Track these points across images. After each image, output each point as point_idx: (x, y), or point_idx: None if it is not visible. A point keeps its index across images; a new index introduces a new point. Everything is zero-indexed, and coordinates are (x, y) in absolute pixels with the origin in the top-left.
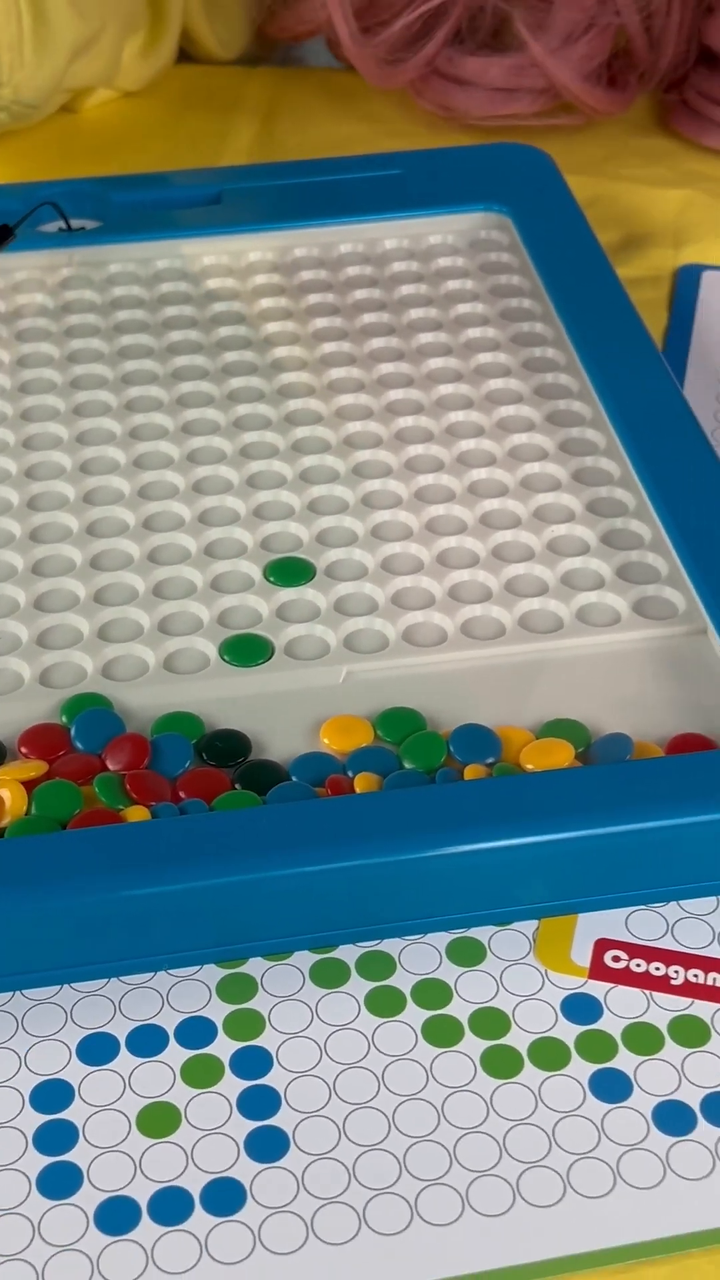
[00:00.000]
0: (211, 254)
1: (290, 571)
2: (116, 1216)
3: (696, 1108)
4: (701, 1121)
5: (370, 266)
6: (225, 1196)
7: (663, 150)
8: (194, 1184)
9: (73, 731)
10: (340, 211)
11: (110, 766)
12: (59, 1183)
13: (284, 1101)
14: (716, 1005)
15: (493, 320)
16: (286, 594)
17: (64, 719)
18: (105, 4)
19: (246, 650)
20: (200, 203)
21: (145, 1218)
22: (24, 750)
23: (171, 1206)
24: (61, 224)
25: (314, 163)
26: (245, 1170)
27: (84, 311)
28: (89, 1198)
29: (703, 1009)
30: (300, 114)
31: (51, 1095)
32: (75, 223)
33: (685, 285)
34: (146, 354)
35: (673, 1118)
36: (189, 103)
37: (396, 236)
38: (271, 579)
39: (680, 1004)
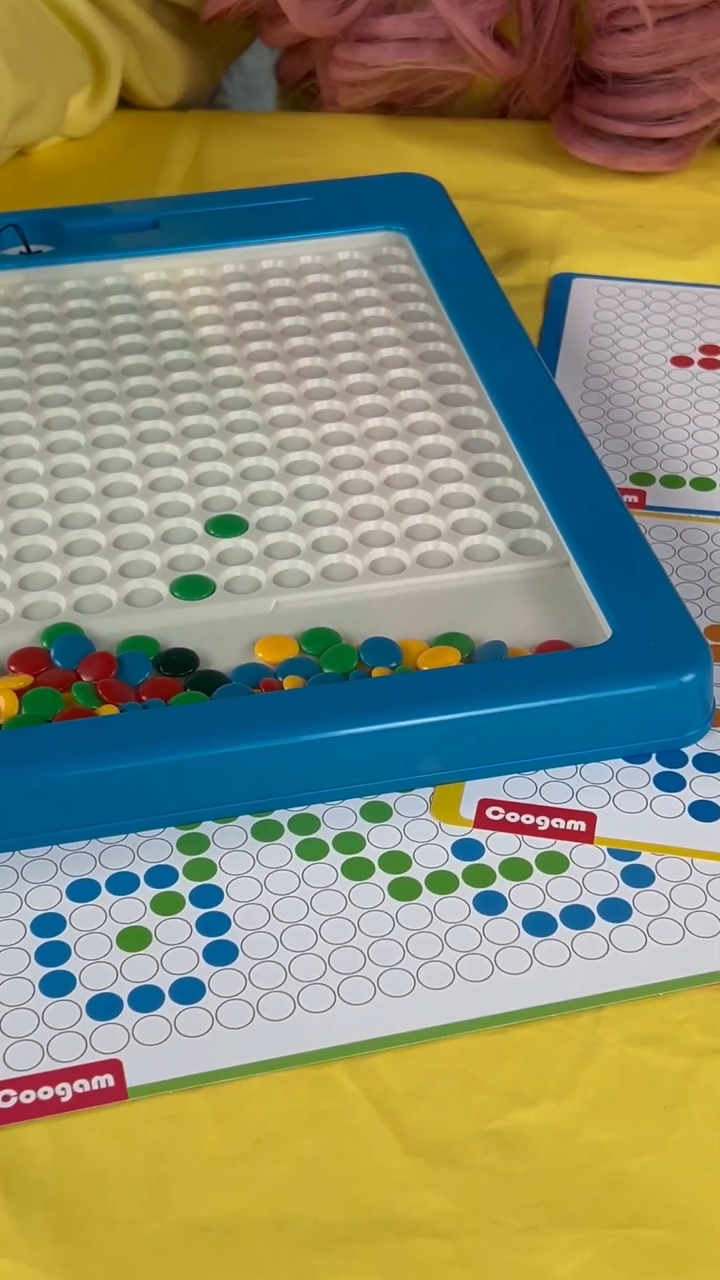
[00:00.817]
0: (152, 271)
1: (227, 526)
2: (103, 1007)
3: (557, 916)
4: (560, 926)
5: (289, 279)
6: (188, 990)
7: (540, 177)
8: (164, 982)
9: (52, 653)
10: (262, 233)
11: (84, 678)
12: (57, 984)
13: (233, 922)
14: (572, 844)
15: (394, 322)
16: (224, 543)
17: (44, 643)
18: (46, 69)
19: (192, 587)
20: (141, 228)
21: (126, 1008)
22: (12, 668)
23: (146, 998)
24: (22, 248)
25: (238, 192)
26: (204, 971)
27: (44, 321)
28: (81, 995)
29: (563, 846)
30: (226, 150)
31: (47, 924)
32: (34, 247)
33: (558, 291)
34: (99, 355)
35: (538, 924)
36: (129, 143)
37: (311, 253)
38: (211, 532)
39: (545, 844)
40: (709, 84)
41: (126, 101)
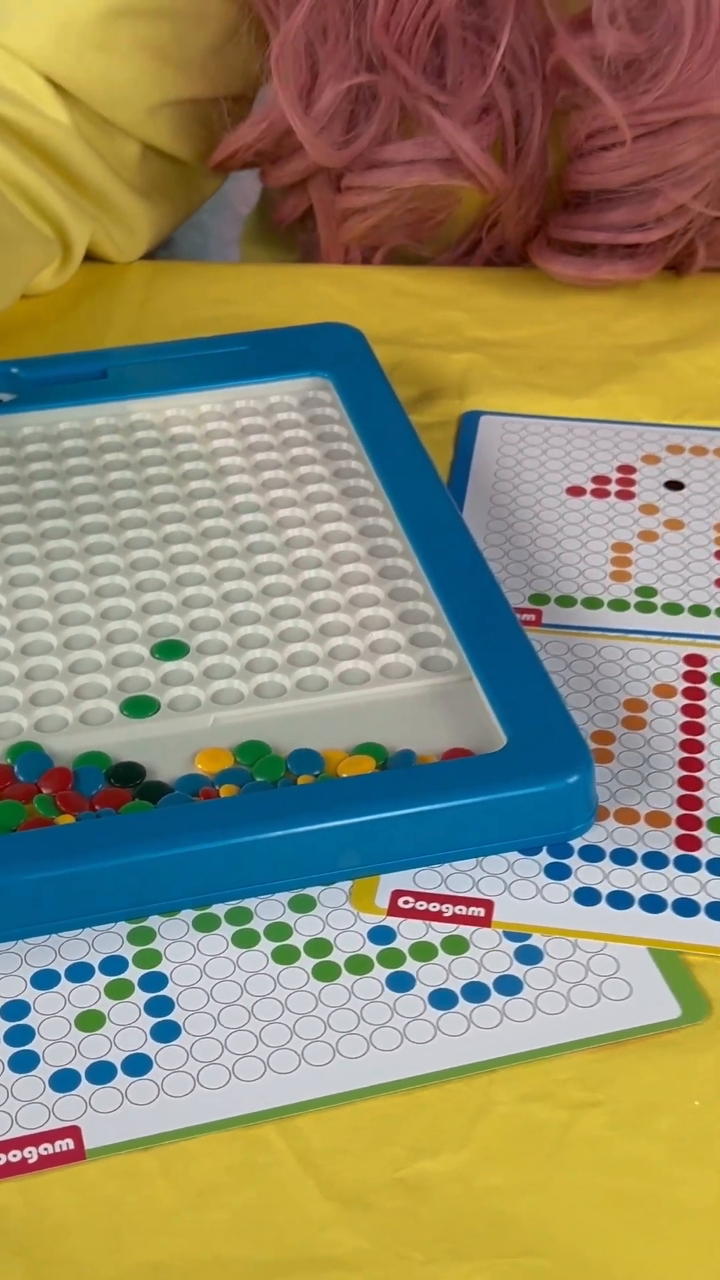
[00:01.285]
0: (101, 416)
1: (170, 650)
2: (63, 1080)
3: (458, 991)
4: (461, 1000)
5: (226, 422)
6: (138, 1064)
7: (453, 322)
8: (116, 1058)
9: (15, 768)
10: (202, 380)
11: (44, 790)
12: (23, 1062)
13: (176, 1004)
14: (473, 928)
15: (319, 460)
16: (168, 666)
17: (8, 760)
18: (11, 261)
19: (139, 707)
20: (91, 377)
21: (84, 1081)
22: None
23: (101, 1073)
24: None
25: (180, 342)
26: (151, 1047)
27: (4, 465)
28: (44, 1071)
29: (464, 930)
30: (171, 299)
31: (14, 1010)
32: (4, 395)
33: (467, 428)
34: (55, 495)
35: (441, 999)
36: (80, 294)
37: (246, 398)
38: (156, 656)
39: (449, 928)
40: (678, 191)
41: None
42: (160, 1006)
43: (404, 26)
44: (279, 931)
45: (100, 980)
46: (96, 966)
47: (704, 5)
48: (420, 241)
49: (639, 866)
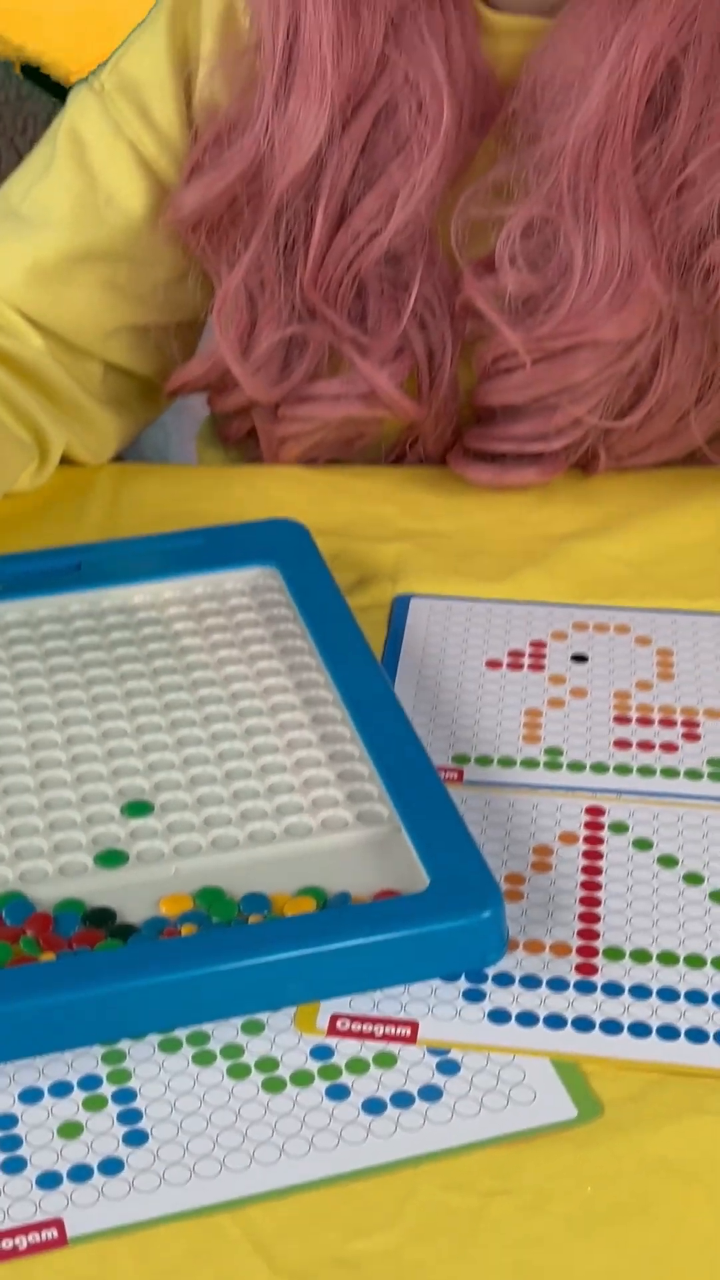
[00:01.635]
0: (76, 604)
1: (137, 808)
2: (48, 1180)
3: (387, 1099)
4: (390, 1107)
5: (186, 606)
6: (112, 1166)
7: (386, 516)
8: (93, 1160)
9: (2, 914)
10: (165, 571)
11: (28, 933)
12: (12, 1165)
13: (144, 1115)
14: (400, 1045)
15: (269, 640)
16: (135, 822)
17: None
18: (13, 465)
19: (111, 859)
20: (67, 570)
21: (65, 1180)
22: None
23: (80, 1173)
24: None
25: (145, 538)
26: (123, 1151)
27: None
28: (31, 1172)
29: (393, 1047)
30: (136, 498)
31: (3, 1122)
32: None
33: (399, 609)
34: (35, 674)
35: (373, 1106)
36: (54, 494)
37: (204, 585)
38: (125, 813)
39: (380, 1046)
40: (575, 406)
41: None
42: (130, 1116)
43: (330, 280)
44: (233, 1051)
45: (79, 1095)
46: (75, 1083)
47: (591, 249)
48: (350, 456)
49: (544, 990)
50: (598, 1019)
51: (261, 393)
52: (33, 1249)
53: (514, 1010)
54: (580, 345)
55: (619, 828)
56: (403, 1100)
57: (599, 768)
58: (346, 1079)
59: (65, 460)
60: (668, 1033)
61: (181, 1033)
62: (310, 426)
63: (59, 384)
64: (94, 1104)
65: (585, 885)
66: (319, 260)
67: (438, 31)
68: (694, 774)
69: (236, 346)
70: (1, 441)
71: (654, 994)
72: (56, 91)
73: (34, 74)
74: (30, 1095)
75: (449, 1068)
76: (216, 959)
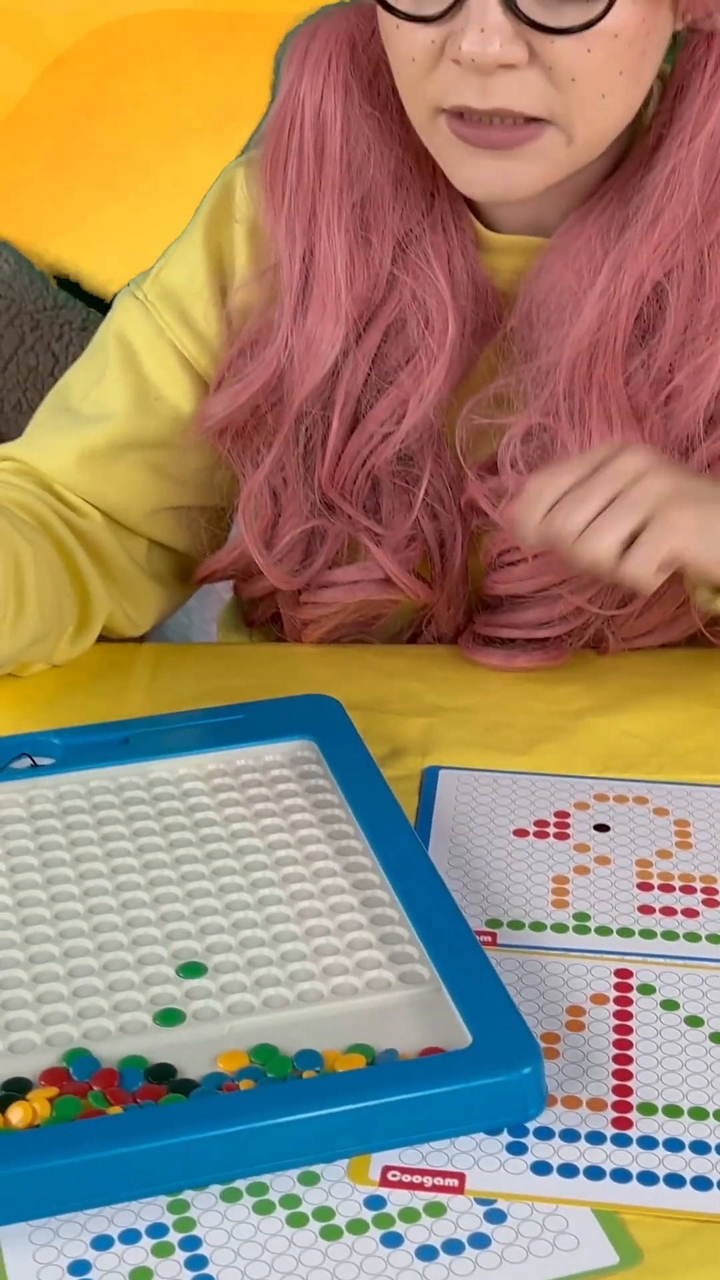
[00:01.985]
0: (126, 775)
1: (191, 970)
2: None
3: (438, 1246)
4: (441, 1253)
5: (229, 777)
6: None
7: (413, 691)
8: None
9: (71, 1070)
10: (207, 744)
11: (95, 1088)
12: None
13: (210, 1260)
14: (449, 1195)
15: (309, 809)
16: (190, 983)
17: (64, 1063)
18: (58, 613)
19: (168, 1018)
20: (116, 743)
21: None
22: (42, 1082)
23: None
24: (30, 762)
25: (188, 712)
26: None
27: (48, 818)
28: None
29: (442, 1197)
30: (175, 675)
31: (78, 1267)
32: (39, 760)
33: (429, 780)
34: (89, 842)
35: (425, 1252)
36: (98, 670)
37: (245, 758)
38: (180, 975)
39: (429, 1196)
40: (576, 595)
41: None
42: (197, 1263)
43: (346, 478)
44: (291, 1201)
45: (147, 1243)
46: (144, 1231)
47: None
48: (369, 636)
49: (583, 1143)
50: (634, 1170)
51: (283, 581)
52: None
53: (555, 1162)
54: None
55: (647, 989)
56: (453, 1248)
57: (625, 932)
58: (399, 1227)
59: (104, 636)
60: (701, 1183)
61: (241, 1183)
62: (330, 610)
63: (113, 555)
64: (162, 1250)
65: (617, 1044)
66: (335, 460)
67: (441, 253)
68: (715, 938)
69: (260, 539)
70: (62, 596)
71: (686, 1146)
72: (88, 299)
73: (67, 285)
74: (101, 1243)
75: (496, 1216)
76: (274, 1113)
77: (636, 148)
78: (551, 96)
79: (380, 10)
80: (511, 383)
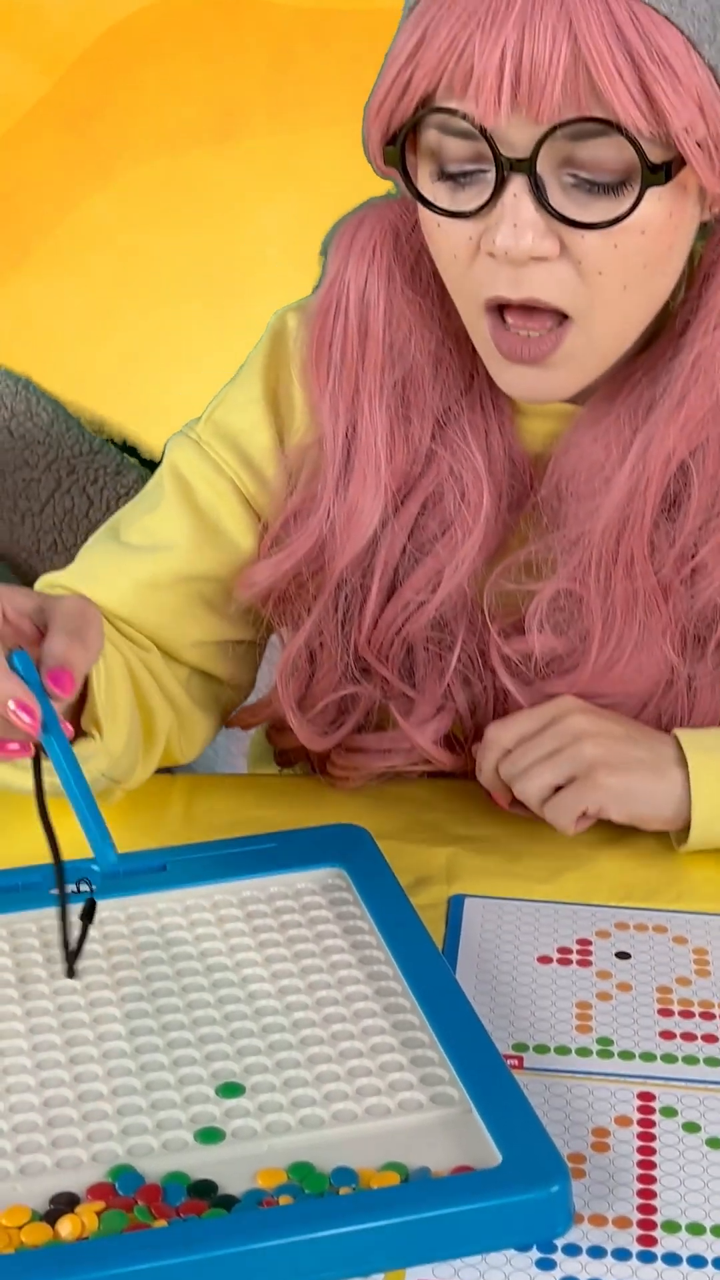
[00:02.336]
0: (164, 901)
1: (230, 1090)
2: None
3: None
4: None
5: (262, 904)
6: None
7: (438, 821)
8: None
9: (116, 1185)
10: (242, 871)
11: (140, 1202)
12: None
13: None
14: None
15: (339, 934)
16: (229, 1102)
17: (110, 1179)
18: (137, 734)
19: (209, 1135)
20: (154, 870)
21: None
22: (89, 1197)
23: None
24: (74, 888)
25: (223, 841)
26: None
27: (89, 943)
28: None
29: None
30: (209, 805)
31: None
32: (82, 887)
33: (455, 908)
34: (129, 966)
35: None
36: (136, 798)
37: (278, 885)
38: (219, 1094)
39: None
40: None
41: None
42: None
43: (382, 643)
44: None
45: None
46: None
47: (612, 620)
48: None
49: (609, 1260)
50: None
51: (314, 742)
52: None
53: (583, 1277)
54: (599, 697)
55: (669, 1112)
56: None
57: (647, 1056)
58: None
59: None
60: None
61: None
62: (359, 772)
63: (169, 680)
64: None
65: (641, 1164)
66: (372, 625)
67: (479, 430)
68: None
69: (294, 700)
70: (135, 718)
71: (709, 1263)
72: (122, 446)
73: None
74: None
75: None
76: (313, 1227)
77: (665, 330)
78: (577, 290)
79: (421, 206)
80: (541, 549)
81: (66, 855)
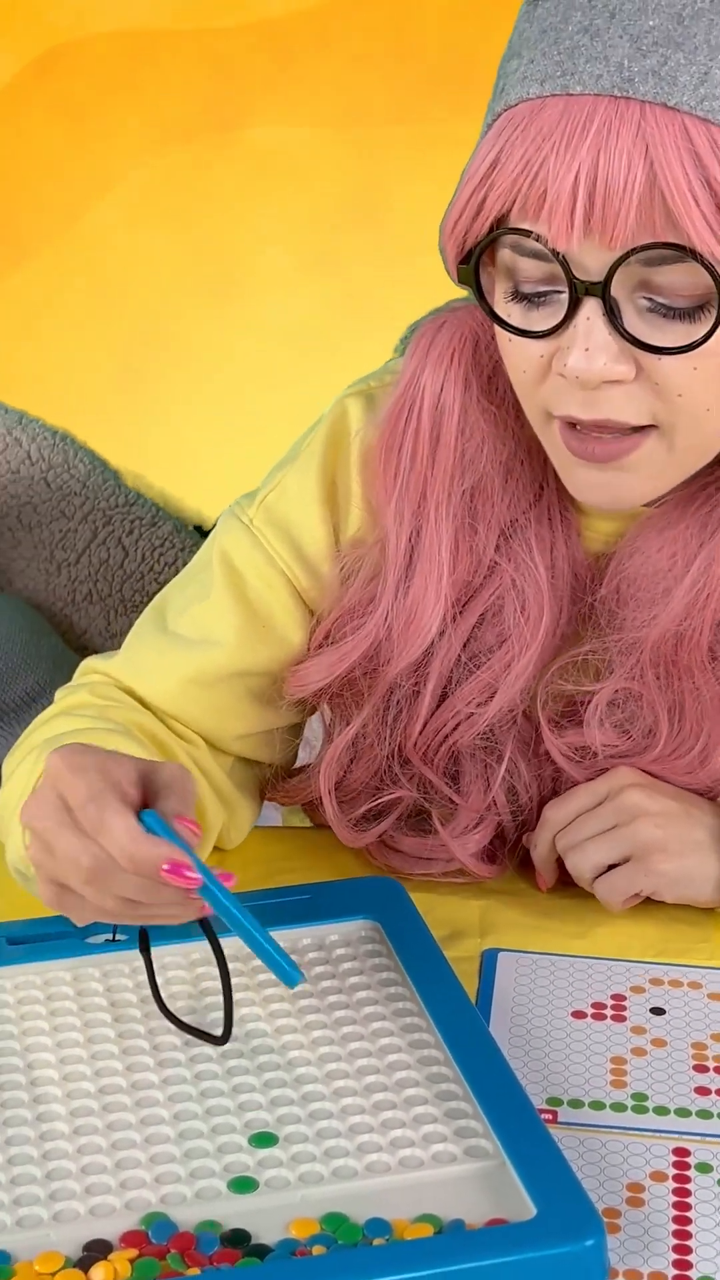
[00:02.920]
0: (197, 951)
1: (263, 1139)
2: None
3: None
4: None
5: (296, 955)
6: None
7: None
8: None
9: (149, 1233)
10: (275, 922)
11: (173, 1250)
12: None
13: None
14: None
15: (372, 985)
16: (262, 1153)
17: (143, 1226)
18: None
19: (242, 1185)
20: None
21: None
22: (122, 1244)
23: None
24: (109, 937)
25: (257, 892)
26: None
27: (122, 991)
28: None
29: None
30: (242, 854)
31: None
32: (119, 936)
33: (488, 961)
34: (163, 1016)
35: None
36: None
37: (310, 937)
38: (253, 1144)
39: None
40: None
41: None
42: None
43: (430, 746)
44: None
45: None
46: None
47: (676, 718)
48: None
49: None
50: None
51: (349, 839)
52: None
53: None
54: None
55: (704, 1168)
56: None
57: (682, 1112)
58: None
59: None
60: None
61: None
62: (392, 870)
63: (215, 775)
64: None
65: (677, 1219)
66: (419, 730)
67: (545, 544)
68: None
69: (333, 795)
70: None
71: None
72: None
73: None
74: None
75: None
76: (347, 1278)
77: None
78: (657, 407)
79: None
80: (598, 649)
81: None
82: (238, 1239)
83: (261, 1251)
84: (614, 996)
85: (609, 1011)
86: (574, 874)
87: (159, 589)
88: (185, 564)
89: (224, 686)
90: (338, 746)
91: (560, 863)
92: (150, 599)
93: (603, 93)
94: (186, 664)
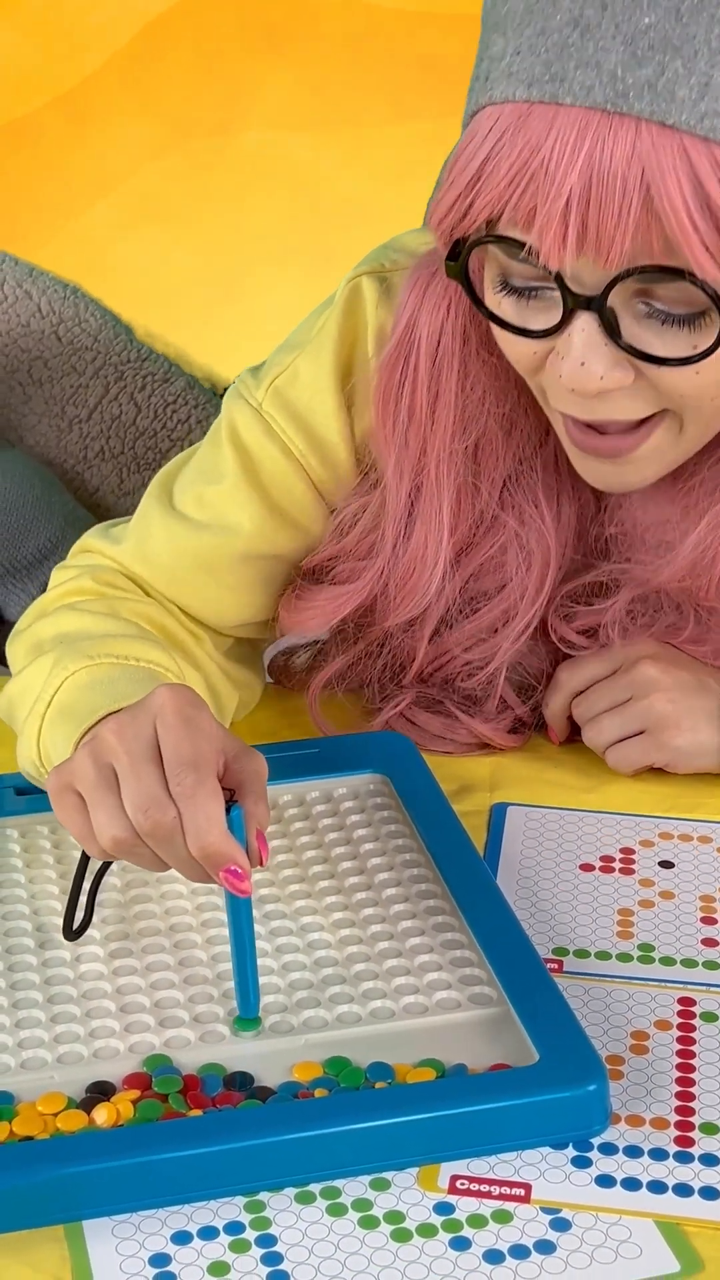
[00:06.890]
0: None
1: (266, 986)
2: None
3: (505, 1251)
4: (507, 1258)
5: (300, 807)
6: None
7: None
8: None
9: (152, 1075)
10: (283, 776)
11: (174, 1092)
12: None
13: (284, 1258)
14: (515, 1204)
15: (380, 838)
16: (267, 998)
17: (146, 1069)
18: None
19: (246, 1024)
20: None
21: None
22: (125, 1086)
23: None
24: None
25: (265, 746)
26: None
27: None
28: None
29: (509, 1205)
30: (251, 714)
31: (158, 1260)
32: None
33: (497, 815)
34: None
35: (492, 1256)
36: None
37: (317, 790)
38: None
39: (496, 1204)
40: None
41: None
42: (273, 1259)
43: (425, 674)
44: (362, 1205)
45: (225, 1239)
46: (221, 1228)
47: (701, 615)
48: None
49: (646, 1159)
50: (696, 1185)
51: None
52: None
53: (619, 1176)
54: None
55: (709, 1017)
56: (520, 1253)
57: (689, 963)
58: (468, 1232)
59: None
60: None
61: (315, 1187)
62: (412, 736)
63: (224, 664)
64: (239, 1247)
65: (680, 1067)
66: (415, 670)
67: (551, 491)
68: None
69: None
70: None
71: None
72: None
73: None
74: (180, 1238)
75: (561, 1225)
76: (348, 1119)
77: None
78: (659, 403)
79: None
80: (609, 573)
81: None
82: (240, 1082)
83: (264, 1094)
84: (623, 850)
85: (617, 864)
86: (589, 744)
87: (172, 446)
88: (198, 421)
89: (236, 571)
90: (331, 670)
91: (572, 718)
92: (163, 457)
93: (595, 106)
94: (197, 547)
